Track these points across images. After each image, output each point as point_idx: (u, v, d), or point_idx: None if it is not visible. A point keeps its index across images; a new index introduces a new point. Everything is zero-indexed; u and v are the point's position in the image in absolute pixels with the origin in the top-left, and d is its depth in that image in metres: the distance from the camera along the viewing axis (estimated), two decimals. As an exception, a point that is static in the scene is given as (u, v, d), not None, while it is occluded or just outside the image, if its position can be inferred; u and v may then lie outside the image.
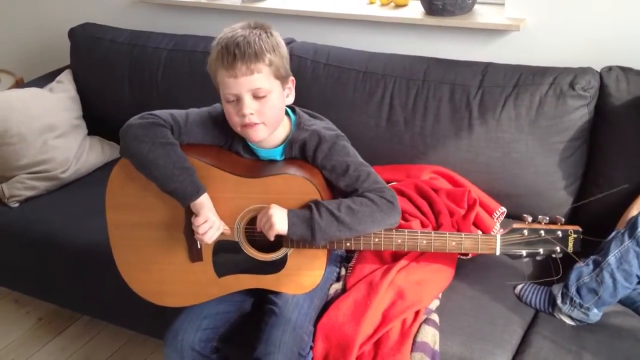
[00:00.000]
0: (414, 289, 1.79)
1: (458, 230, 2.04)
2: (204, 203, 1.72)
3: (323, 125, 1.83)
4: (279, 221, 1.67)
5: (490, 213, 2.10)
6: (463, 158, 2.18)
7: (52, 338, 2.65)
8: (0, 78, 3.38)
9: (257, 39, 1.66)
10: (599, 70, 2.09)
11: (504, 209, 2.11)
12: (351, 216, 1.68)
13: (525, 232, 1.71)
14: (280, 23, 2.69)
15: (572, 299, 1.73)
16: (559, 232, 1.70)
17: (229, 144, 1.84)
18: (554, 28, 2.23)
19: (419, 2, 2.45)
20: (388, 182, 2.05)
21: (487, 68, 2.21)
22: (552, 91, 2.06)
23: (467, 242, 1.75)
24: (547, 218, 1.72)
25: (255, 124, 1.69)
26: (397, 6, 2.56)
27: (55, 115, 2.72)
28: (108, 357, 2.53)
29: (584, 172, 2.12)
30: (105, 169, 2.77)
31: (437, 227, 2.00)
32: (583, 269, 1.73)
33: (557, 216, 1.73)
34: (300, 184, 1.71)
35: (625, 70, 2.06)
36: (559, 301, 1.75)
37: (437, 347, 1.72)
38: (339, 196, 1.79)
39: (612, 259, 1.68)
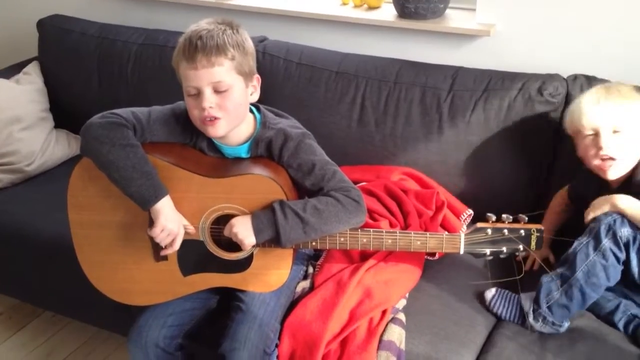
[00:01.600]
0: (382, 289, 1.80)
1: (425, 231, 2.06)
2: (161, 209, 1.69)
3: (289, 124, 1.83)
4: (246, 235, 1.67)
5: (457, 215, 2.12)
6: (433, 160, 2.20)
7: (12, 333, 2.60)
8: (-35, 68, 3.30)
9: (220, 34, 1.65)
10: (565, 77, 2.13)
11: (471, 212, 2.13)
12: (317, 217, 1.68)
13: (489, 231, 1.74)
14: (252, 21, 2.70)
15: (544, 317, 1.73)
16: (522, 231, 1.73)
17: (194, 142, 1.82)
18: (523, 34, 2.26)
19: (392, 5, 2.47)
20: (357, 183, 2.07)
21: (457, 72, 2.23)
22: (520, 96, 2.09)
23: (432, 242, 1.76)
24: (511, 217, 1.74)
25: (216, 118, 1.68)
26: (370, 8, 2.57)
27: (21, 107, 2.68)
28: (70, 353, 2.50)
29: (549, 176, 2.15)
30: (71, 163, 2.68)
31: (406, 227, 2.02)
32: (551, 285, 1.72)
33: (520, 215, 1.74)
34: (265, 184, 1.70)
35: (590, 79, 2.10)
36: (530, 318, 1.74)
37: (402, 346, 1.73)
38: (304, 195, 1.80)
39: (579, 274, 1.68)
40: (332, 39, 2.58)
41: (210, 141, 1.81)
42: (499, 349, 1.72)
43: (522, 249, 1.74)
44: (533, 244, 1.73)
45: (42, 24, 2.96)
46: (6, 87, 2.72)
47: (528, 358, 1.69)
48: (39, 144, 2.65)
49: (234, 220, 1.70)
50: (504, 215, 1.74)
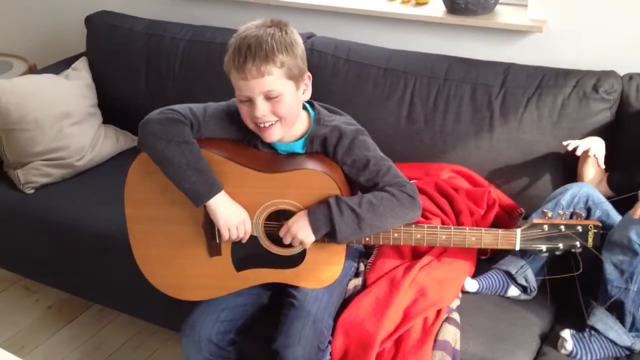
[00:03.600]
0: (436, 288, 1.79)
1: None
2: (216, 206, 1.71)
3: (343, 121, 1.83)
4: (305, 234, 1.69)
5: (509, 213, 2.10)
6: (483, 158, 2.18)
7: (62, 326, 2.64)
8: (13, 63, 3.36)
9: (269, 39, 1.65)
10: (621, 75, 2.09)
11: (522, 210, 2.11)
12: (372, 212, 1.68)
13: (546, 227, 1.72)
14: (299, 17, 2.70)
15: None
16: (579, 227, 1.71)
17: (247, 138, 1.84)
18: (576, 31, 2.23)
19: (441, 0, 2.45)
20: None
21: (509, 68, 2.21)
22: (575, 93, 2.07)
23: (487, 238, 1.75)
24: (568, 213, 1.72)
25: (270, 125, 1.70)
26: (418, 4, 2.55)
27: (71, 103, 2.71)
28: (119, 347, 2.53)
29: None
30: (120, 158, 2.77)
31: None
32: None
33: (577, 211, 1.73)
34: (320, 179, 1.71)
35: (646, 78, 2.07)
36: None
37: (457, 347, 1.72)
38: (358, 191, 1.79)
39: None
40: (380, 35, 2.57)
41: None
42: (557, 353, 1.70)
43: (579, 245, 1.72)
44: (590, 240, 1.71)
45: (90, 20, 3.00)
46: (56, 83, 2.76)
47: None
48: (89, 139, 2.68)
49: (290, 222, 1.71)
50: (560, 211, 1.72)
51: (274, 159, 1.81)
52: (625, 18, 2.13)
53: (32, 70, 3.25)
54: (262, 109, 1.67)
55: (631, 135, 2.05)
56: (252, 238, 1.79)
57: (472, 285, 1.84)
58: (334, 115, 1.85)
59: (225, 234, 1.73)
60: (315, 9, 2.68)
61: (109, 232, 2.29)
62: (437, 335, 1.72)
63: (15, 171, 2.55)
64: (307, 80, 1.77)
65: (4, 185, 2.59)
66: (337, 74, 2.41)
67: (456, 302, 1.84)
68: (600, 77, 2.06)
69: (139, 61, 2.84)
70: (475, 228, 1.77)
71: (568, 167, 2.08)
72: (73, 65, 2.91)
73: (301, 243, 1.71)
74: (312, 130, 1.79)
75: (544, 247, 1.74)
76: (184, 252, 1.85)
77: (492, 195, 2.08)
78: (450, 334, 1.73)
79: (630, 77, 2.08)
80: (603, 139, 2.07)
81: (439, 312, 1.76)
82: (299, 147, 1.81)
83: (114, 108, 2.88)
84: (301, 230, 1.69)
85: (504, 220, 2.07)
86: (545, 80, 2.12)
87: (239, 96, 1.70)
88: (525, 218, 2.11)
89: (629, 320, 1.70)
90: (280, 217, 1.78)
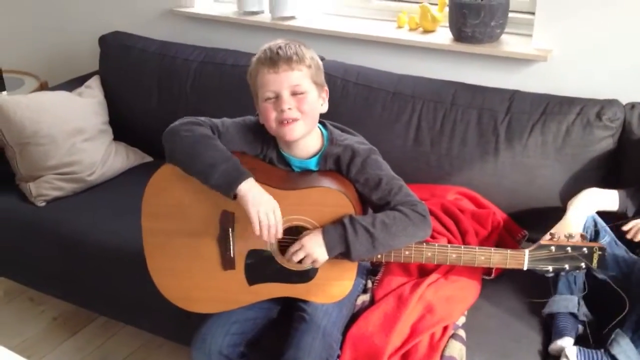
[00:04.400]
0: (443, 305, 1.84)
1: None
2: (247, 192, 1.70)
3: (356, 140, 1.90)
4: (320, 253, 1.74)
5: (512, 235, 2.15)
6: (488, 181, 2.23)
7: (67, 338, 2.67)
8: (25, 80, 3.42)
9: (298, 46, 1.78)
10: (623, 105, 2.16)
11: (525, 233, 2.17)
12: (385, 232, 1.73)
13: (553, 248, 1.77)
14: (309, 41, 2.72)
15: None
16: (585, 249, 1.76)
17: (264, 153, 1.89)
18: (580, 60, 2.30)
19: (448, 28, 2.53)
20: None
21: (514, 95, 2.27)
22: (579, 120, 2.13)
23: (496, 257, 1.79)
24: (574, 236, 1.77)
25: (293, 119, 1.76)
26: (425, 31, 2.63)
27: (84, 119, 2.77)
28: (124, 359, 2.55)
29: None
30: (129, 174, 2.82)
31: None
32: None
33: (582, 233, 1.78)
34: (334, 197, 1.76)
35: (649, 107, 2.14)
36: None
37: (463, 362, 1.76)
38: (369, 210, 1.84)
39: None
40: (388, 61, 2.64)
41: (279, 154, 1.87)
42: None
43: (584, 266, 1.76)
44: (595, 262, 1.76)
45: (104, 40, 3.06)
46: (70, 100, 2.82)
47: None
48: (100, 155, 2.74)
49: (304, 240, 1.75)
50: (566, 233, 1.77)
51: (288, 176, 1.86)
52: (628, 48, 2.21)
53: (43, 87, 3.30)
54: (289, 102, 1.74)
55: (633, 162, 2.11)
56: (266, 253, 1.83)
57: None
58: (346, 135, 1.91)
59: (255, 220, 1.70)
60: (326, 34, 2.75)
61: (117, 245, 2.33)
62: (443, 351, 1.76)
63: (27, 184, 2.60)
64: (325, 94, 1.86)
65: (15, 198, 2.63)
66: (346, 97, 2.48)
67: (462, 320, 1.88)
68: (604, 105, 2.13)
69: (150, 81, 2.90)
70: (484, 248, 1.82)
71: (570, 192, 2.13)
72: (86, 83, 2.97)
73: (314, 262, 1.75)
74: (326, 149, 1.85)
75: (550, 268, 1.79)
76: (198, 265, 1.89)
77: (497, 217, 2.14)
78: (456, 350, 1.76)
79: (633, 105, 2.15)
80: (605, 165, 2.13)
81: (445, 328, 1.81)
82: (312, 164, 1.86)
83: (125, 126, 2.94)
84: (316, 248, 1.73)
85: (507, 241, 2.13)
86: (550, 107, 2.19)
87: (264, 94, 1.76)
88: (529, 240, 2.17)
89: None
90: (294, 233, 1.82)
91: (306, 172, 1.86)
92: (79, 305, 2.68)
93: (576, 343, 1.79)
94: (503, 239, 2.14)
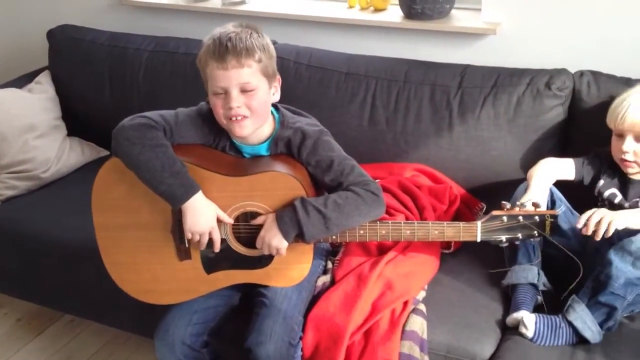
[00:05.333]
0: (402, 281, 1.85)
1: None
2: (187, 208, 1.73)
3: (307, 122, 1.88)
4: (279, 241, 1.73)
5: (470, 208, 2.17)
6: (444, 156, 2.25)
7: (32, 338, 2.63)
8: (-26, 80, 3.34)
9: (248, 37, 1.71)
10: (572, 74, 2.19)
11: (483, 205, 2.19)
12: (338, 211, 1.72)
13: (505, 218, 1.77)
14: (261, 25, 2.73)
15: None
16: (537, 217, 1.76)
17: (216, 142, 1.87)
18: (529, 32, 2.32)
19: (398, 6, 2.53)
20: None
21: (465, 70, 2.29)
22: (529, 91, 2.15)
23: (449, 230, 1.80)
24: (525, 204, 1.78)
25: (243, 117, 1.73)
26: (376, 10, 2.63)
27: (35, 116, 2.72)
28: (89, 357, 2.53)
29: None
30: (85, 169, 2.78)
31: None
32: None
33: (535, 202, 1.79)
34: (285, 180, 1.75)
35: (596, 75, 2.16)
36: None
37: (425, 336, 1.78)
38: (324, 191, 1.84)
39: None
40: (340, 41, 2.63)
41: (232, 141, 1.85)
42: (519, 338, 1.76)
43: (537, 234, 1.78)
44: (547, 229, 1.77)
45: (52, 34, 3.00)
46: (20, 96, 2.77)
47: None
48: (54, 151, 2.69)
49: (262, 232, 1.74)
50: (517, 203, 1.79)
51: (239, 162, 1.85)
52: (575, 18, 2.23)
53: (-6, 85, 3.24)
54: (237, 100, 1.70)
55: (583, 129, 2.14)
56: (221, 241, 1.81)
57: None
58: (298, 117, 1.89)
59: (188, 237, 1.77)
60: (277, 17, 2.73)
61: (76, 242, 2.30)
62: (404, 326, 1.78)
63: (-19, 184, 2.55)
64: (277, 83, 1.82)
65: (-30, 200, 2.58)
66: (300, 80, 2.46)
67: (422, 294, 1.89)
68: (553, 74, 2.15)
69: (102, 73, 2.85)
70: (437, 222, 1.82)
71: (524, 161, 2.16)
72: (36, 79, 2.91)
73: (277, 250, 1.74)
74: (277, 133, 1.83)
75: (503, 238, 1.80)
76: (154, 257, 1.87)
77: (454, 191, 2.15)
78: (418, 324, 1.78)
79: (582, 73, 2.17)
80: (557, 134, 2.16)
81: (405, 303, 1.82)
82: (263, 149, 1.85)
83: (79, 120, 2.90)
84: (274, 238, 1.73)
85: (466, 214, 2.15)
86: (501, 80, 2.20)
87: (214, 88, 1.72)
88: (486, 213, 2.19)
89: (610, 324, 1.75)
90: (247, 218, 1.81)
91: (257, 157, 1.85)
92: (42, 305, 2.65)
93: (534, 311, 1.81)
94: (461, 212, 2.16)
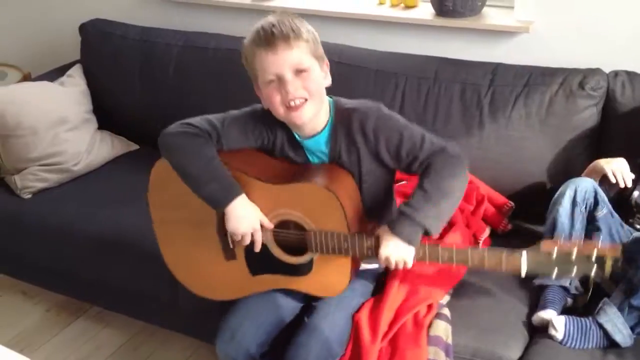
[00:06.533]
0: (426, 286, 1.83)
1: (467, 225, 2.08)
2: (231, 211, 1.71)
3: (359, 102, 1.80)
4: (403, 250, 1.65)
5: (498, 207, 2.15)
6: (474, 155, 2.20)
7: (61, 329, 2.67)
8: (8, 73, 3.39)
9: (291, 21, 1.67)
10: (606, 74, 2.15)
11: (512, 204, 2.16)
12: (438, 190, 1.66)
13: (554, 255, 1.58)
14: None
15: None
16: (593, 257, 1.55)
17: (272, 140, 1.81)
18: (562, 31, 2.28)
19: (429, 3, 2.50)
20: (398, 182, 2.09)
21: (497, 68, 2.26)
22: (562, 91, 2.12)
23: (492, 260, 1.65)
24: (582, 239, 1.66)
25: (302, 101, 1.66)
26: (407, 7, 2.60)
27: (67, 109, 2.75)
28: (118, 348, 2.55)
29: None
30: (115, 162, 2.82)
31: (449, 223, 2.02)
32: None
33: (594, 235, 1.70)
34: (321, 195, 1.69)
35: (631, 75, 2.12)
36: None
37: (450, 341, 1.75)
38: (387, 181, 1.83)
39: None
40: (370, 38, 2.62)
41: (290, 136, 1.80)
42: (548, 341, 1.74)
43: (594, 275, 1.58)
44: (608, 269, 1.54)
45: (84, 28, 3.03)
46: (52, 90, 2.80)
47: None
48: (85, 144, 2.72)
49: (382, 249, 1.66)
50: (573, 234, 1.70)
51: (284, 169, 1.81)
52: (609, 17, 2.19)
53: (27, 78, 3.28)
54: (293, 84, 1.65)
55: (617, 131, 2.10)
56: (262, 245, 1.79)
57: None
58: (349, 100, 1.82)
59: (235, 239, 1.77)
60: (307, 14, 2.68)
61: (105, 234, 2.34)
62: (429, 331, 1.75)
63: (13, 177, 2.59)
64: (327, 67, 1.76)
65: (2, 191, 2.62)
66: (329, 77, 2.45)
67: (446, 298, 1.87)
68: (586, 74, 2.12)
69: (133, 67, 2.87)
70: (478, 249, 1.77)
71: (555, 162, 2.14)
72: (68, 73, 2.95)
73: (405, 262, 1.67)
74: (333, 118, 1.77)
75: (554, 275, 1.61)
76: (203, 255, 1.88)
77: (480, 191, 2.13)
78: (442, 329, 1.76)
79: (616, 74, 2.13)
80: (590, 135, 2.12)
81: (430, 306, 1.80)
82: (323, 140, 1.77)
83: (109, 114, 2.92)
84: (397, 249, 1.65)
85: (494, 214, 2.12)
86: (533, 79, 2.17)
87: (266, 76, 1.66)
88: (514, 212, 2.16)
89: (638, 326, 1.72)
90: (288, 225, 1.79)
91: (305, 165, 1.81)
92: (71, 297, 2.69)
93: (563, 313, 1.78)
94: (489, 212, 2.14)
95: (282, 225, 1.78)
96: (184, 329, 2.36)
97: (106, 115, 2.92)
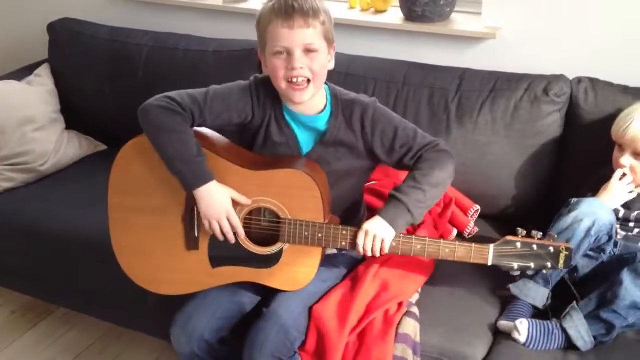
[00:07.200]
0: (398, 282, 1.85)
1: (435, 227, 2.12)
2: (200, 200, 1.72)
3: (358, 95, 1.86)
4: (384, 229, 1.72)
5: (465, 211, 2.19)
6: (441, 159, 2.25)
7: (26, 331, 2.64)
8: (-27, 71, 3.34)
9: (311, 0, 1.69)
10: (570, 80, 2.20)
11: (478, 207, 2.20)
12: (429, 183, 1.75)
13: (518, 245, 1.72)
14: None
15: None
16: (551, 248, 1.70)
17: (259, 115, 1.82)
18: (528, 37, 2.33)
19: (399, 8, 2.54)
20: (367, 182, 2.11)
21: (464, 73, 2.29)
22: (527, 97, 2.16)
23: (461, 250, 1.75)
24: (540, 234, 1.73)
25: (303, 81, 1.70)
26: (377, 12, 2.64)
27: (34, 108, 2.72)
28: (84, 351, 2.53)
29: (555, 176, 2.21)
30: (83, 163, 2.80)
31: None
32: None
33: (550, 233, 1.75)
34: (301, 179, 1.73)
35: (594, 81, 2.17)
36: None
37: (418, 339, 1.78)
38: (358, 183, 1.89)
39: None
40: (340, 42, 2.56)
41: (282, 112, 1.81)
42: (512, 342, 1.77)
43: (550, 266, 1.71)
44: (562, 262, 1.70)
45: (52, 27, 3.00)
46: (19, 89, 2.77)
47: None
48: (52, 144, 2.70)
49: (365, 225, 1.73)
50: (533, 232, 1.73)
51: (262, 158, 1.83)
52: (574, 25, 2.25)
53: (-7, 77, 3.24)
54: (301, 61, 1.67)
55: (580, 136, 2.15)
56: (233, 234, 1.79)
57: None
58: (345, 90, 1.87)
59: (206, 225, 1.75)
60: (277, 16, 2.72)
61: (72, 235, 2.32)
62: (397, 328, 1.78)
63: (-22, 176, 2.56)
64: (333, 50, 1.79)
65: (-33, 192, 2.58)
66: (299, 79, 2.47)
67: (416, 297, 1.90)
68: (551, 80, 2.16)
69: (102, 67, 2.85)
70: (449, 241, 1.80)
71: (521, 167, 2.19)
72: (35, 72, 2.92)
73: (382, 244, 1.72)
74: (333, 105, 1.81)
75: (516, 265, 1.73)
76: (162, 244, 1.85)
77: (448, 194, 2.16)
78: (411, 327, 1.78)
79: (579, 80, 2.18)
80: (554, 140, 2.16)
81: (400, 305, 1.82)
82: (323, 121, 1.81)
83: (77, 114, 2.90)
84: (379, 228, 1.72)
85: (461, 217, 2.16)
86: (499, 85, 2.21)
87: (275, 47, 1.68)
88: (481, 215, 2.21)
89: (605, 339, 1.74)
90: (260, 215, 1.80)
91: (283, 156, 1.83)
92: (37, 298, 2.66)
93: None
94: (456, 215, 2.17)
95: (254, 214, 1.78)
96: (152, 331, 2.34)
97: (74, 115, 2.89)
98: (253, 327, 1.75)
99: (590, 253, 1.86)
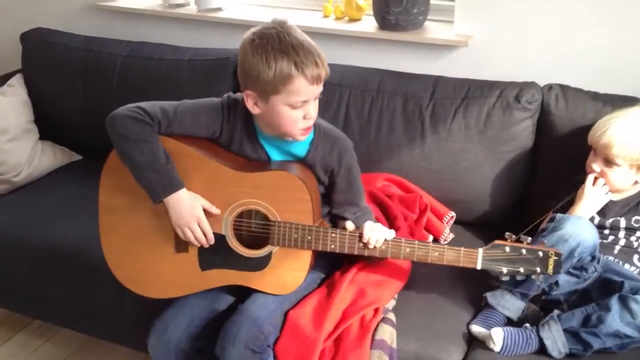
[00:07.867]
0: (374, 288, 1.86)
1: (411, 234, 2.13)
2: (169, 206, 1.74)
3: (339, 133, 1.94)
4: (385, 230, 1.79)
5: (440, 217, 2.21)
6: (416, 166, 2.28)
7: (0, 345, 2.60)
8: (-55, 81, 3.30)
9: (312, 44, 1.77)
10: (541, 87, 2.23)
11: (453, 214, 2.22)
12: None
13: (507, 249, 1.73)
14: (236, 33, 2.74)
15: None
16: (540, 253, 1.71)
17: (229, 133, 1.84)
18: (500, 45, 2.36)
19: (373, 17, 2.56)
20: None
21: (437, 81, 2.32)
22: (499, 104, 2.19)
23: (450, 254, 1.77)
24: (529, 238, 1.74)
25: (311, 123, 1.78)
26: (351, 20, 2.65)
27: (7, 119, 2.70)
28: (59, 363, 2.52)
29: (528, 181, 2.24)
30: (57, 173, 2.78)
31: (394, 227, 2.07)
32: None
33: (541, 239, 1.77)
34: (291, 182, 1.75)
35: (564, 88, 2.20)
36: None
37: (394, 345, 1.79)
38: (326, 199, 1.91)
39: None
40: (315, 50, 2.64)
41: (250, 133, 1.84)
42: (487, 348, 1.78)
43: (539, 271, 1.72)
44: (551, 267, 1.71)
45: (25, 37, 2.98)
46: (-9, 100, 2.75)
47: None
48: (26, 155, 2.68)
49: (371, 226, 1.78)
50: (522, 237, 1.75)
51: (249, 162, 1.85)
52: (545, 32, 2.28)
53: (-35, 87, 3.20)
54: (315, 109, 1.77)
55: (552, 142, 2.18)
56: (220, 237, 1.80)
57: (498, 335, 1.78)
58: (324, 122, 1.92)
59: (179, 233, 1.76)
60: (253, 25, 2.71)
61: (46, 246, 2.30)
62: (374, 334, 1.79)
63: (-49, 188, 2.53)
64: None
65: (-60, 203, 2.55)
66: (274, 88, 2.47)
67: (392, 303, 1.91)
68: (522, 87, 2.20)
69: (76, 77, 2.84)
70: (438, 244, 1.81)
71: (494, 172, 2.21)
72: (8, 82, 2.89)
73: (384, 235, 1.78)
74: (315, 133, 1.85)
75: (504, 269, 1.74)
76: (151, 246, 1.85)
77: (424, 200, 2.18)
78: (387, 333, 1.79)
79: (550, 87, 2.22)
80: (526, 146, 2.20)
81: (376, 311, 1.83)
82: (303, 149, 1.85)
83: (51, 124, 2.88)
84: (382, 229, 1.79)
85: (436, 224, 2.18)
86: (472, 92, 2.24)
87: (296, 102, 1.71)
88: (455, 221, 2.23)
89: (580, 354, 1.74)
90: (251, 217, 1.81)
91: (273, 161, 1.86)
92: (11, 310, 2.63)
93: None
94: (432, 221, 2.19)
95: (244, 215, 1.79)
96: (128, 342, 2.32)
97: (48, 125, 2.88)
98: (226, 321, 1.76)
99: (572, 271, 1.85)
